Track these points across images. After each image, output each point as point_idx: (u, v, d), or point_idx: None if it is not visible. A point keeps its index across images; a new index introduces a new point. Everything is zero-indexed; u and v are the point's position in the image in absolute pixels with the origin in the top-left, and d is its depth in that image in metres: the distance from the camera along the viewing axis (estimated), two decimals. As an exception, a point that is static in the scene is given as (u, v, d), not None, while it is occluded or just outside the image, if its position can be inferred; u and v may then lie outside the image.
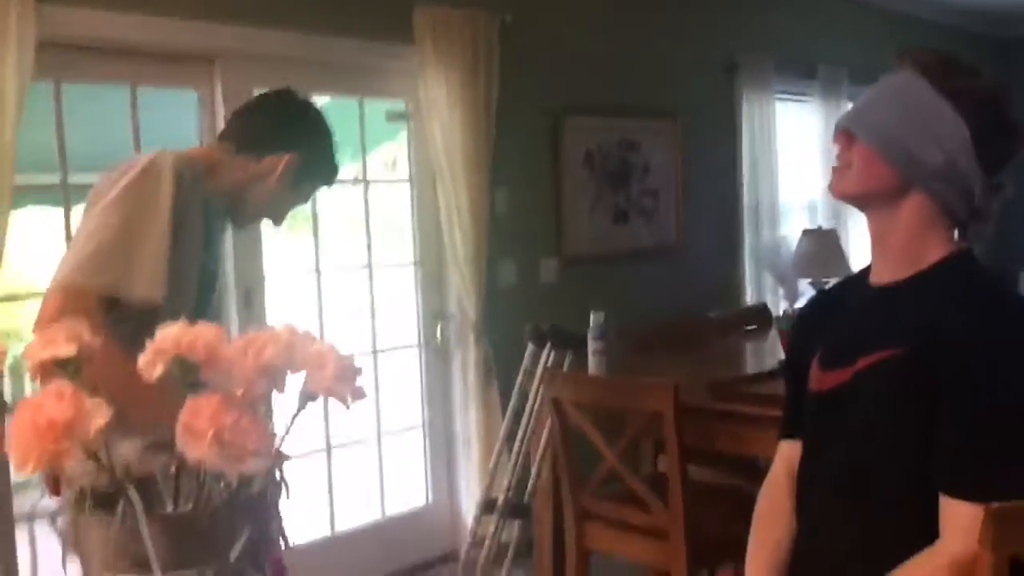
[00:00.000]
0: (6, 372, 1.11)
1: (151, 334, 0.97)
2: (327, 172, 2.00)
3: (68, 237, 2.93)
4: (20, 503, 2.75)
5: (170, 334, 0.92)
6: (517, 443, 2.99)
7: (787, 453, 1.63)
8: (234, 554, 0.97)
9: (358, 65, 3.70)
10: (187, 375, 0.92)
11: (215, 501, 0.97)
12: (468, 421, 3.96)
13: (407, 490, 4.04)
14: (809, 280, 4.05)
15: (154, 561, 0.89)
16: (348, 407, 1.07)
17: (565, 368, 2.99)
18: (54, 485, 1.31)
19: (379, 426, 3.86)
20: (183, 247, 1.71)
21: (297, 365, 1.00)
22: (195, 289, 1.77)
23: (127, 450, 1.65)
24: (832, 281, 4.07)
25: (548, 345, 2.93)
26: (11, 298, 3.03)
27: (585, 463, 2.81)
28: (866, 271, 1.55)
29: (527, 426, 2.99)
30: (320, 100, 3.70)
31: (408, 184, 3.99)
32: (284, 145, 1.88)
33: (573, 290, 4.37)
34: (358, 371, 1.05)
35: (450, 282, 3.98)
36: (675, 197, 4.97)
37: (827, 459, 1.50)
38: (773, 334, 3.73)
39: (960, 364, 1.31)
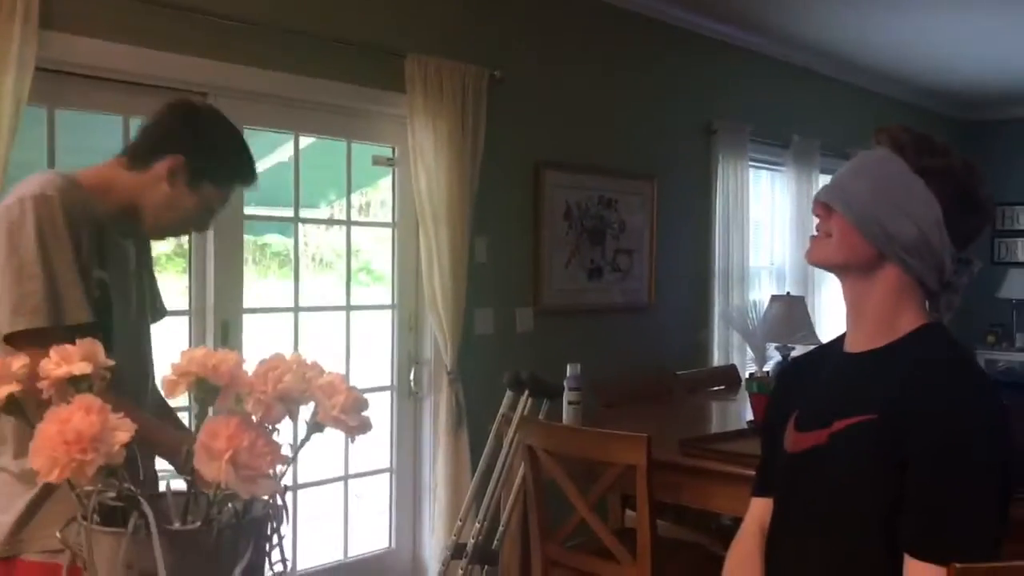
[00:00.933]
0: None
1: None
2: (227, 171, 1.88)
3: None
4: None
5: (195, 356, 0.95)
6: (489, 489, 3.01)
7: (759, 510, 1.68)
8: (237, 574, 0.99)
9: (348, 109, 3.77)
10: (208, 398, 0.96)
11: (223, 520, 1.00)
12: (436, 466, 3.97)
13: (372, 533, 4.03)
14: (776, 344, 4.13)
15: (163, 575, 0.92)
16: (353, 440, 1.11)
17: (540, 416, 3.03)
18: None
19: (347, 467, 3.86)
20: (82, 266, 1.69)
21: (310, 394, 1.04)
22: (88, 307, 1.69)
23: None
24: (798, 347, 4.18)
25: (526, 392, 2.97)
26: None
27: (554, 512, 2.84)
28: (841, 338, 1.61)
29: (500, 472, 3.01)
30: (307, 140, 3.81)
31: (390, 228, 4.04)
32: (170, 149, 1.80)
33: (548, 341, 4.43)
34: (366, 404, 1.09)
35: (427, 327, 4.01)
36: (648, 256, 5.07)
37: (798, 517, 1.56)
38: (742, 394, 3.81)
39: (927, 433, 1.37)
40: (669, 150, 5.22)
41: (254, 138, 3.63)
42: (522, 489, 2.92)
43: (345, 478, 3.86)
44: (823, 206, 1.52)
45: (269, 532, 1.08)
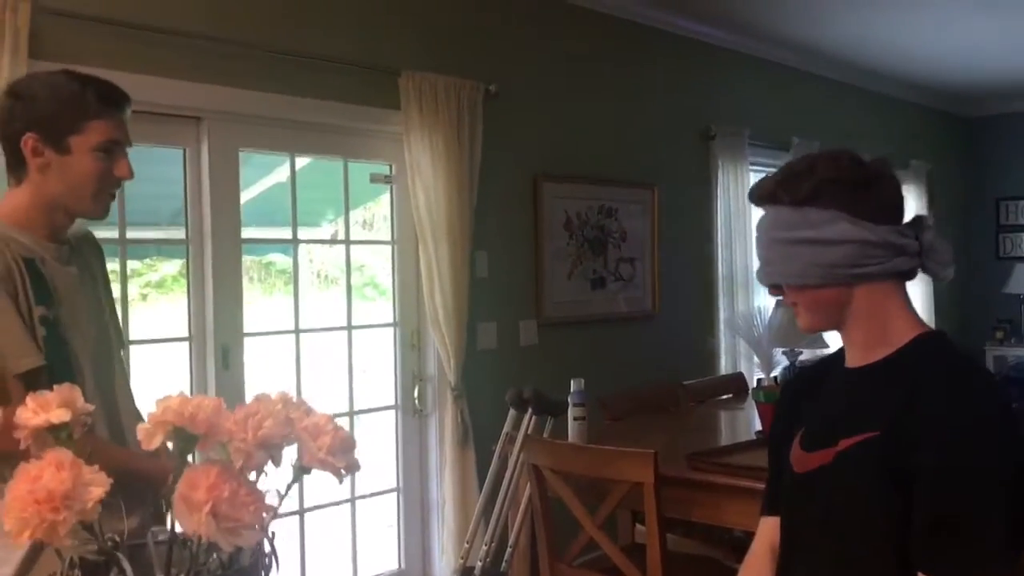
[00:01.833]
0: None
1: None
2: (73, 111, 1.69)
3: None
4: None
5: (171, 405, 0.92)
6: (496, 509, 2.97)
7: (768, 529, 1.65)
8: (224, 627, 0.96)
9: (344, 128, 3.74)
10: (186, 447, 0.93)
11: (209, 571, 0.96)
12: (444, 485, 3.93)
13: (380, 554, 3.99)
14: (783, 350, 4.08)
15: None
16: (341, 482, 1.07)
17: (545, 433, 2.99)
18: None
19: (353, 488, 3.82)
20: (23, 308, 1.65)
21: (293, 437, 1.01)
22: (38, 348, 1.65)
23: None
24: (806, 351, 4.14)
25: (529, 411, 2.94)
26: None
27: (562, 531, 2.80)
28: (842, 351, 1.58)
29: (506, 492, 2.97)
30: (304, 160, 3.79)
31: (390, 245, 4.01)
32: (16, 135, 1.68)
33: (552, 353, 4.39)
34: (353, 444, 1.06)
35: (429, 344, 3.98)
36: (651, 264, 5.03)
37: (808, 538, 1.52)
38: (750, 403, 3.76)
39: (933, 446, 1.33)
40: (668, 156, 5.18)
41: (250, 161, 3.62)
42: (529, 508, 2.88)
43: (352, 499, 3.83)
44: (772, 288, 1.53)
45: (258, 581, 1.05)
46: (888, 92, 7.01)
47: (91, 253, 1.91)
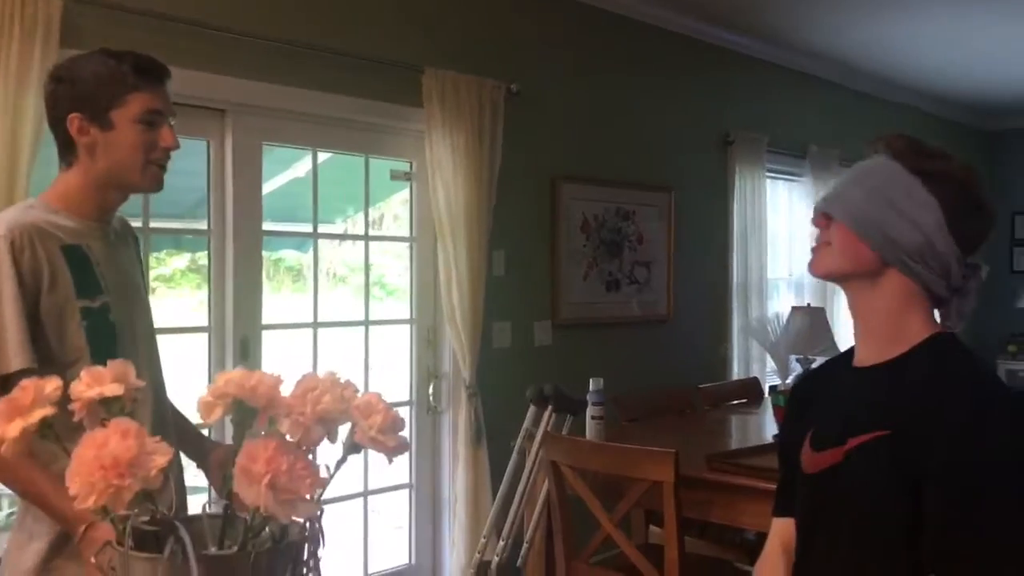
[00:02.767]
0: None
1: None
2: (110, 88, 1.71)
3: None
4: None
5: (233, 378, 0.93)
6: (513, 505, 2.98)
7: (782, 529, 1.64)
8: (274, 600, 0.97)
9: (365, 124, 3.76)
10: (246, 419, 0.94)
11: (260, 545, 0.97)
12: (456, 481, 3.94)
13: (391, 549, 3.99)
14: (798, 356, 4.09)
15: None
16: (391, 462, 1.08)
17: (564, 431, 3.00)
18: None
19: (366, 483, 3.83)
20: (52, 302, 1.66)
21: (347, 414, 1.02)
22: (83, 338, 1.68)
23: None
24: (820, 358, 4.14)
25: (549, 407, 2.94)
26: None
27: (577, 529, 2.80)
28: (849, 353, 1.57)
29: (524, 488, 2.98)
30: (324, 155, 3.80)
31: (408, 243, 4.03)
32: (63, 117, 1.72)
33: (566, 354, 4.40)
34: (403, 424, 1.07)
35: (445, 341, 3.99)
36: (666, 268, 5.04)
37: (822, 539, 1.51)
38: (765, 407, 3.77)
39: (944, 450, 1.33)
40: (686, 161, 5.19)
41: (271, 154, 3.63)
42: (546, 505, 2.89)
43: (365, 494, 3.84)
44: (823, 216, 1.49)
45: (306, 556, 1.06)
46: (907, 102, 7.01)
47: (132, 243, 1.93)
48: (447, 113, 3.80)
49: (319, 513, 1.04)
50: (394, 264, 4.12)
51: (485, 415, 3.92)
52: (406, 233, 4.04)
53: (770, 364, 5.17)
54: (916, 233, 1.41)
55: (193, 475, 2.01)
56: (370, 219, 4.18)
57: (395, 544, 4.03)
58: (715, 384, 4.50)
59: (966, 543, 1.32)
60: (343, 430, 1.06)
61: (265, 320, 3.50)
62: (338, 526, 3.82)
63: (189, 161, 3.42)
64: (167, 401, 1.87)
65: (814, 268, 1.52)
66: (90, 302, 1.70)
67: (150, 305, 1.95)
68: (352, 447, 1.06)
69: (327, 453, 1.08)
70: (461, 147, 3.82)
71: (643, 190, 4.90)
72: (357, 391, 1.09)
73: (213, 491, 1.69)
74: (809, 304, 5.27)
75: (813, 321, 4.44)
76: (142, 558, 0.93)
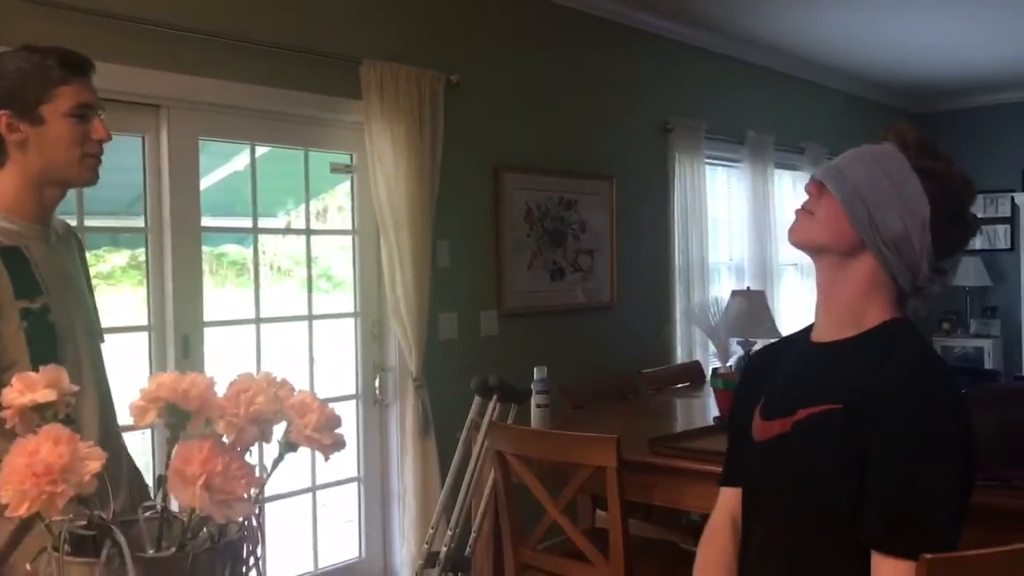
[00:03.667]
0: None
1: None
2: (38, 82, 1.69)
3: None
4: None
5: (165, 381, 0.93)
6: (460, 495, 3.00)
7: (728, 500, 1.68)
8: (213, 600, 0.97)
9: (304, 117, 3.74)
10: (179, 423, 0.94)
11: (197, 546, 0.98)
12: (404, 474, 3.95)
13: (341, 543, 3.99)
14: (739, 339, 4.16)
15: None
16: (327, 459, 1.09)
17: (509, 420, 3.03)
18: None
19: (314, 477, 3.82)
20: None
21: (282, 414, 1.03)
22: (22, 339, 1.65)
23: None
24: (760, 341, 4.22)
25: (494, 398, 2.97)
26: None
27: (525, 516, 2.83)
28: (808, 329, 1.62)
29: (470, 479, 3.00)
30: (263, 149, 3.77)
31: (350, 235, 4.01)
32: None
33: (512, 343, 4.43)
34: (339, 422, 1.08)
35: (390, 334, 3.99)
36: (609, 256, 5.09)
37: (766, 507, 1.56)
38: (707, 390, 3.84)
39: (887, 425, 1.38)
40: (626, 149, 5.25)
41: (209, 148, 3.59)
42: (493, 494, 2.91)
43: (313, 489, 3.83)
44: (816, 184, 1.52)
45: (245, 554, 1.07)
46: (843, 88, 7.15)
47: (75, 246, 1.90)
48: (386, 105, 3.79)
49: (257, 512, 1.05)
50: (340, 256, 4.10)
51: (433, 406, 3.94)
52: (351, 225, 4.03)
53: (712, 347, 5.25)
54: (899, 224, 1.45)
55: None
56: (314, 211, 4.16)
57: (345, 538, 4.04)
58: (658, 368, 4.56)
59: (903, 520, 1.36)
60: (279, 429, 1.07)
61: (207, 317, 3.46)
62: (288, 521, 3.82)
63: (124, 157, 3.37)
64: (113, 404, 1.85)
65: (793, 235, 1.55)
66: (29, 303, 1.68)
67: (97, 308, 1.92)
68: (288, 446, 1.06)
69: (273, 452, 1.09)
70: (402, 138, 3.81)
71: (585, 178, 4.94)
72: (293, 390, 1.10)
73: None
74: (749, 288, 5.37)
75: (753, 304, 4.52)
76: (78, 563, 0.94)
